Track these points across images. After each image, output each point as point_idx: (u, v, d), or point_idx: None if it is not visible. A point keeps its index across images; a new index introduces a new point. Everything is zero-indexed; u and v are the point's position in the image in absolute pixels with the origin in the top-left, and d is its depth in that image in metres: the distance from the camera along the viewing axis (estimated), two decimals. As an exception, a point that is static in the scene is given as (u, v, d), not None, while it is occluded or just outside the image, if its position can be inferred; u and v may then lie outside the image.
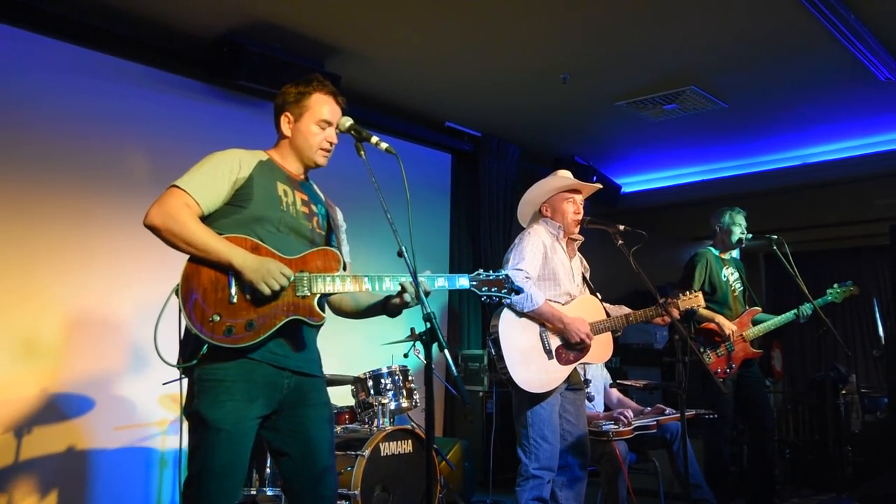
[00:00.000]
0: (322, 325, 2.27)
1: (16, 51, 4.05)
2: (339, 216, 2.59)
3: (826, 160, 6.69)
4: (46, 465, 3.97)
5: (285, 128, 2.40)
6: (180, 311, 2.12)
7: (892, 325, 8.06)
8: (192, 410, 2.15)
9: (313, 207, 2.43)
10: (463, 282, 2.36)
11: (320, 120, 2.38)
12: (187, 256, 2.15)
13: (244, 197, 2.24)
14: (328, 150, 2.42)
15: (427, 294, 2.21)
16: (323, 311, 2.26)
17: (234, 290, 2.13)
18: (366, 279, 2.25)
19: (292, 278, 2.18)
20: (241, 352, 2.14)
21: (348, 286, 2.25)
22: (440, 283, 2.34)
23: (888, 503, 3.93)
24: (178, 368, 2.18)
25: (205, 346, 2.11)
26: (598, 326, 3.45)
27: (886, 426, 5.89)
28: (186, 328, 2.12)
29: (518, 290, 2.45)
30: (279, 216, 2.28)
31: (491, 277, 2.40)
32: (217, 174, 2.22)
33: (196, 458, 2.14)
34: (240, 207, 2.24)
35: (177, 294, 2.13)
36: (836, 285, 4.61)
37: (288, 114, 2.40)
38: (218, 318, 2.10)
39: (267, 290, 2.11)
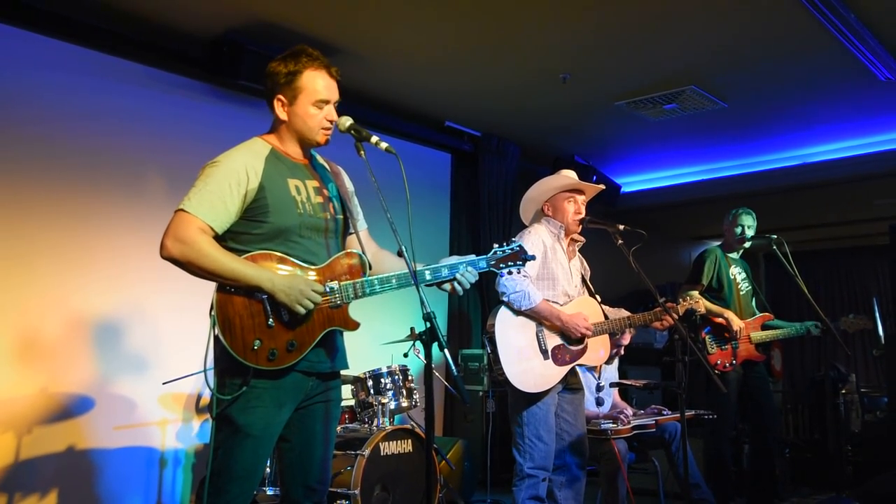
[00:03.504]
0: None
1: (15, 50, 4.04)
2: (346, 181, 2.50)
3: (826, 160, 6.69)
4: (46, 465, 3.97)
5: (280, 112, 2.27)
6: (216, 339, 2.11)
7: (891, 324, 8.06)
8: (222, 414, 2.14)
9: (325, 191, 2.35)
10: (483, 264, 2.36)
11: (317, 100, 2.25)
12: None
13: (260, 210, 2.18)
14: (329, 129, 2.30)
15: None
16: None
17: (269, 313, 2.11)
18: (393, 279, 2.24)
19: (325, 290, 2.16)
20: (283, 370, 2.15)
21: (377, 290, 2.24)
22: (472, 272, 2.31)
23: (888, 502, 3.93)
24: (225, 400, 2.13)
25: (250, 374, 2.11)
26: (595, 329, 3.45)
27: (886, 426, 5.89)
28: (225, 355, 2.11)
29: (532, 258, 2.47)
30: (298, 221, 2.22)
31: (507, 252, 2.40)
32: (225, 191, 2.13)
33: (218, 459, 2.14)
34: (258, 222, 2.18)
35: (213, 324, 2.10)
36: (851, 315, 4.64)
37: (281, 97, 2.25)
38: (259, 344, 2.09)
39: (302, 311, 2.11)
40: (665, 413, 4.22)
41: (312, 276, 2.20)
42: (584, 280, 3.67)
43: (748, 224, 4.60)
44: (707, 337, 4.40)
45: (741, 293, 4.57)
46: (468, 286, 2.30)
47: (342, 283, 2.22)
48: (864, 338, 9.16)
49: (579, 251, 3.70)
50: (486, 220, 6.55)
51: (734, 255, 4.68)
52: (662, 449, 4.21)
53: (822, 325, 4.42)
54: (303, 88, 2.24)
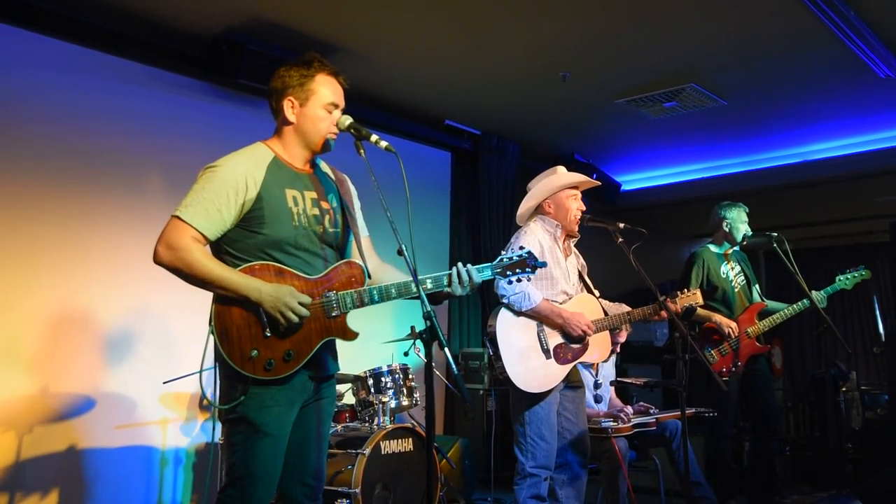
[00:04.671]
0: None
1: (15, 49, 4.04)
2: (351, 188, 2.51)
3: (826, 157, 6.69)
4: (47, 465, 3.97)
5: (289, 113, 2.29)
6: (215, 348, 2.12)
7: (892, 321, 8.06)
8: (238, 415, 2.15)
9: (325, 202, 2.35)
10: (487, 272, 2.32)
11: (327, 103, 2.29)
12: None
13: (256, 221, 2.19)
14: (335, 135, 2.33)
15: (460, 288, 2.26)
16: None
17: (266, 323, 2.12)
18: (393, 290, 2.23)
19: (317, 301, 2.18)
20: (282, 379, 2.16)
21: (376, 300, 2.23)
22: (479, 277, 2.29)
23: (889, 500, 3.93)
24: (224, 410, 2.17)
25: (248, 382, 2.12)
26: (596, 325, 3.45)
27: (887, 423, 5.89)
28: (225, 365, 2.13)
29: (543, 265, 2.40)
30: (294, 234, 2.22)
31: (514, 260, 2.35)
32: (222, 199, 2.14)
33: (237, 461, 2.15)
34: (254, 233, 2.19)
35: (212, 332, 2.12)
36: (847, 271, 4.45)
37: (292, 98, 2.28)
38: (256, 354, 2.11)
39: (295, 319, 2.11)
40: (652, 411, 4.21)
41: (297, 285, 2.20)
42: (581, 277, 3.67)
43: (745, 221, 4.55)
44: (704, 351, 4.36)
45: (738, 288, 4.52)
46: (460, 292, 2.28)
47: (340, 293, 2.22)
48: (864, 335, 9.17)
49: (575, 247, 3.69)
50: (485, 218, 6.56)
51: (729, 250, 4.57)
52: (663, 447, 4.21)
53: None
54: (315, 91, 2.29)
